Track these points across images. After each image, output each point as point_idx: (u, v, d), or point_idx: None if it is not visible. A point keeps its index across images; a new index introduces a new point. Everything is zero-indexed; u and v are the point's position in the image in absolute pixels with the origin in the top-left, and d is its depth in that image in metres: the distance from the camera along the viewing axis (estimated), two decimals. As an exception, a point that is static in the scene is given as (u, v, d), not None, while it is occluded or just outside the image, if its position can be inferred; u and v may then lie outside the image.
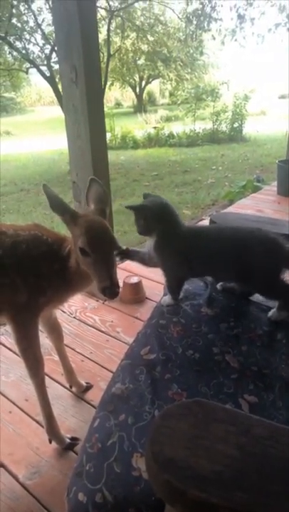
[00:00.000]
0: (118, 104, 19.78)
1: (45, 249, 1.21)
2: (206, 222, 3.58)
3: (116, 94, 19.62)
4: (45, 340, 1.54)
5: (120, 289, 2.33)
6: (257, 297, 1.23)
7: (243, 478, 0.52)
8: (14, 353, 1.93)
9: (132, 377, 0.95)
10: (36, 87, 19.75)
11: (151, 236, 1.18)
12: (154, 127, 10.55)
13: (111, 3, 10.02)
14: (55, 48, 8.87)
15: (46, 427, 1.41)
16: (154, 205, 1.16)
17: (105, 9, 9.85)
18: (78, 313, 2.23)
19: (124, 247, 1.23)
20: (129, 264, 2.78)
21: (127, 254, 1.24)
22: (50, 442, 1.43)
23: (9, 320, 1.22)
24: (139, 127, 11.10)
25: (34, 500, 1.29)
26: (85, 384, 1.69)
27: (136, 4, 11.16)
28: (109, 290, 1.07)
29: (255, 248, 1.11)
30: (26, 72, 10.59)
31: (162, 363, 0.98)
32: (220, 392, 0.89)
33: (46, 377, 1.39)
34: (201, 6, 10.03)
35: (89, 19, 1.84)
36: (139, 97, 18.35)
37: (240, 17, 10.02)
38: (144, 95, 18.91)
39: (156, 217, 1.14)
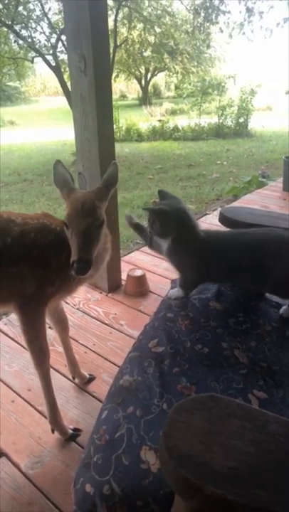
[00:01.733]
0: (123, 96, 19.67)
1: (53, 238, 1.19)
2: (210, 217, 3.56)
3: (121, 86, 19.49)
4: (48, 331, 1.53)
5: (124, 282, 2.35)
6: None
7: (260, 475, 0.51)
8: (17, 342, 1.93)
9: (141, 370, 0.95)
10: (41, 76, 19.63)
11: (165, 239, 1.16)
12: (159, 120, 10.48)
13: (119, -8, 9.91)
14: (62, 37, 8.81)
15: (49, 417, 1.40)
16: (173, 210, 1.14)
17: (113, -1, 9.75)
18: (82, 304, 2.23)
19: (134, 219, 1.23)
20: (133, 257, 2.77)
21: (135, 227, 1.23)
22: (53, 432, 1.43)
23: (17, 310, 1.21)
24: (144, 120, 11.03)
25: (36, 489, 1.29)
26: (88, 375, 1.69)
27: (144, -6, 11.05)
28: (76, 264, 1.01)
29: (272, 250, 1.10)
30: (32, 62, 10.52)
31: (171, 356, 0.97)
32: (229, 387, 0.88)
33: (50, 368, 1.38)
34: (209, -3, 9.93)
35: (99, 8, 1.81)
36: (144, 89, 18.22)
37: (249, 10, 9.91)
38: (150, 88, 18.79)
39: (173, 222, 1.13)
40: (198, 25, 11.04)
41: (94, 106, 1.92)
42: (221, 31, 10.70)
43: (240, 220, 1.27)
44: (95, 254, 1.10)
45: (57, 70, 9.23)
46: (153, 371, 0.93)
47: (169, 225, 1.13)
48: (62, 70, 9.64)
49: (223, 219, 1.31)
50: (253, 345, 1.02)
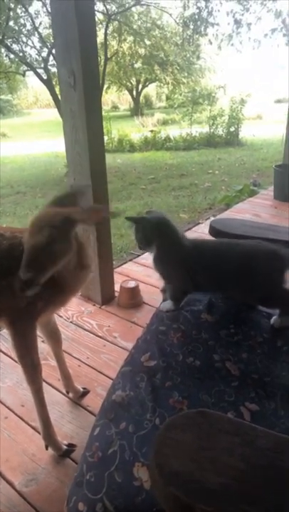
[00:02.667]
0: (115, 107, 19.84)
1: None
2: (202, 226, 3.58)
3: (113, 97, 19.67)
4: (41, 344, 1.52)
5: (117, 293, 2.35)
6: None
7: (250, 491, 0.51)
8: (10, 357, 1.91)
9: (133, 385, 0.94)
10: (33, 89, 19.77)
11: (150, 250, 1.18)
12: (151, 130, 10.57)
13: (108, 7, 10.06)
14: (53, 51, 8.89)
15: (43, 433, 1.39)
16: (152, 217, 1.16)
17: (102, 13, 9.88)
18: (75, 317, 2.22)
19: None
20: (126, 269, 2.77)
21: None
22: (47, 449, 1.42)
23: (7, 326, 1.20)
24: (136, 130, 11.12)
25: (31, 508, 1.27)
26: (81, 389, 1.68)
27: (133, 8, 11.21)
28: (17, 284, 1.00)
29: (257, 261, 1.12)
30: (23, 75, 10.61)
31: (163, 370, 0.97)
32: (221, 400, 0.88)
33: (43, 383, 1.38)
34: (198, 10, 10.10)
35: (87, 25, 1.83)
36: (135, 100, 18.41)
37: (237, 22, 10.09)
38: (141, 98, 18.99)
39: (153, 229, 1.15)
40: (188, 37, 11.22)
41: (84, 120, 1.94)
42: (210, 43, 10.88)
43: (230, 232, 1.28)
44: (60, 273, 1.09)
45: (48, 83, 9.32)
46: (145, 386, 0.93)
47: (150, 233, 1.15)
48: (54, 83, 9.72)
49: (213, 231, 1.32)
50: (245, 356, 1.02)
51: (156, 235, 1.15)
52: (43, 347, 1.61)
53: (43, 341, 1.54)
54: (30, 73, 9.99)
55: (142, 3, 11.07)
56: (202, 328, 1.12)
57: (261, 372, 0.97)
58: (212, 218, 3.90)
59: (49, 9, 8.96)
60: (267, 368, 0.98)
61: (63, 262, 1.07)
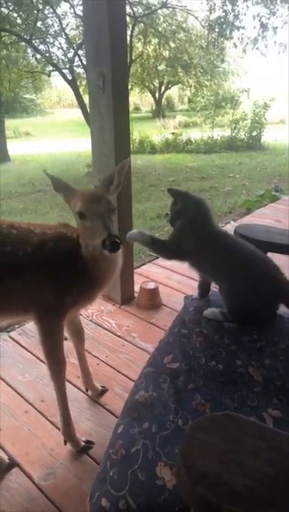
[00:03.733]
0: (137, 109, 19.91)
1: (70, 247, 1.23)
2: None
3: (135, 99, 19.75)
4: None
5: (136, 294, 2.37)
6: (280, 310, 1.22)
7: (276, 494, 0.52)
8: (31, 352, 1.95)
9: (156, 385, 0.96)
10: (57, 89, 20.02)
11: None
12: (172, 133, 10.59)
13: (135, 9, 10.11)
14: (78, 52, 8.99)
15: (63, 429, 1.42)
16: (194, 196, 1.24)
17: (129, 15, 9.93)
18: (95, 316, 2.25)
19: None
20: (146, 270, 2.79)
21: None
22: (66, 444, 1.44)
23: (36, 320, 1.24)
24: (157, 132, 11.15)
25: (48, 501, 1.30)
26: (100, 388, 1.70)
27: (159, 11, 11.24)
28: (108, 241, 1.06)
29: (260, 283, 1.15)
30: (49, 75, 10.74)
31: (185, 373, 0.98)
32: (244, 405, 0.89)
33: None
34: (224, 14, 10.06)
35: (118, 30, 1.87)
36: (158, 102, 18.44)
37: (263, 26, 10.02)
38: (163, 100, 19.01)
39: (192, 205, 1.21)
40: (213, 40, 11.18)
41: (111, 122, 1.97)
42: (235, 46, 10.81)
43: (255, 238, 1.28)
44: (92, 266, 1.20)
45: (73, 83, 9.42)
46: (168, 387, 0.94)
47: (188, 208, 1.21)
48: (78, 83, 9.83)
49: (239, 236, 1.32)
50: (267, 362, 1.02)
51: (193, 209, 1.20)
52: (64, 344, 1.63)
53: (65, 339, 1.57)
54: (54, 73, 10.13)
55: (168, 5, 11.09)
56: (224, 333, 1.13)
57: (284, 379, 0.98)
58: (232, 222, 3.88)
59: (76, 11, 9.09)
60: (289, 375, 0.98)
61: None
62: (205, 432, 0.60)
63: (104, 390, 1.71)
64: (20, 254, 1.16)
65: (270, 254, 1.30)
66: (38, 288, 1.18)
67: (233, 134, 10.33)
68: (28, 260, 1.17)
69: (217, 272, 1.21)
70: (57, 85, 18.85)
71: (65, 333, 1.50)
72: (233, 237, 1.25)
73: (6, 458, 1.41)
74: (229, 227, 3.59)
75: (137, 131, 10.17)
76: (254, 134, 10.34)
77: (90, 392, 1.70)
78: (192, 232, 1.20)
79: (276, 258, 1.35)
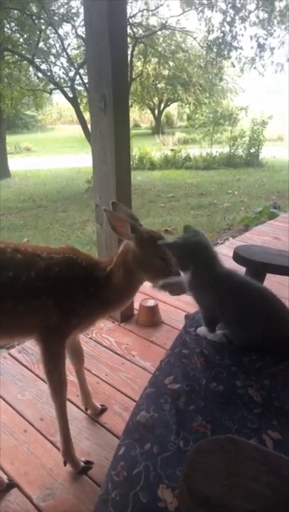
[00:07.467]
0: (136, 126, 20.21)
1: (78, 272, 1.25)
2: (221, 247, 3.60)
3: (135, 116, 20.05)
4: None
5: (136, 311, 2.38)
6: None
7: (276, 519, 0.53)
8: (30, 370, 1.95)
9: (157, 406, 0.97)
10: (57, 105, 20.33)
11: (185, 273, 1.17)
12: (172, 149, 10.75)
13: (135, 30, 10.37)
14: (80, 71, 9.17)
15: (63, 449, 1.41)
16: (188, 243, 1.15)
17: (129, 36, 10.18)
18: (94, 334, 2.25)
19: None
20: (145, 287, 2.80)
21: None
22: (65, 465, 1.43)
23: (39, 340, 1.24)
24: (157, 149, 11.32)
25: (47, 523, 1.29)
26: (100, 407, 1.70)
27: (159, 32, 11.52)
28: None
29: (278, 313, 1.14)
30: (50, 93, 10.93)
31: (186, 394, 0.99)
32: (244, 427, 0.90)
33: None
34: (222, 34, 10.33)
35: (119, 54, 1.92)
36: (157, 119, 18.74)
37: (260, 46, 10.29)
38: (163, 117, 19.32)
39: (188, 255, 1.14)
40: (211, 60, 11.45)
41: (112, 142, 2.02)
42: (233, 66, 11.09)
43: (254, 260, 1.30)
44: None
45: (74, 100, 9.59)
46: (169, 408, 0.95)
47: (185, 258, 1.14)
48: (79, 100, 10.01)
49: (238, 257, 1.35)
50: (267, 383, 1.03)
51: (191, 260, 1.14)
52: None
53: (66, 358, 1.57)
54: (55, 90, 10.32)
55: (168, 27, 11.37)
56: (225, 353, 1.14)
57: (283, 400, 0.98)
58: (231, 239, 3.92)
59: (78, 32, 9.31)
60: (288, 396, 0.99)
61: None
62: (207, 455, 0.61)
63: (103, 409, 1.71)
64: (24, 278, 1.18)
65: (268, 275, 1.32)
66: (43, 311, 1.20)
67: (232, 151, 10.49)
68: (33, 284, 1.18)
69: (236, 317, 1.16)
70: (58, 102, 19.14)
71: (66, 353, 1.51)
72: (243, 277, 1.22)
73: (5, 478, 1.40)
74: (228, 244, 3.62)
75: (137, 148, 10.32)
76: (252, 150, 10.50)
77: (89, 411, 1.69)
78: (212, 290, 1.15)
79: (274, 279, 1.38)
